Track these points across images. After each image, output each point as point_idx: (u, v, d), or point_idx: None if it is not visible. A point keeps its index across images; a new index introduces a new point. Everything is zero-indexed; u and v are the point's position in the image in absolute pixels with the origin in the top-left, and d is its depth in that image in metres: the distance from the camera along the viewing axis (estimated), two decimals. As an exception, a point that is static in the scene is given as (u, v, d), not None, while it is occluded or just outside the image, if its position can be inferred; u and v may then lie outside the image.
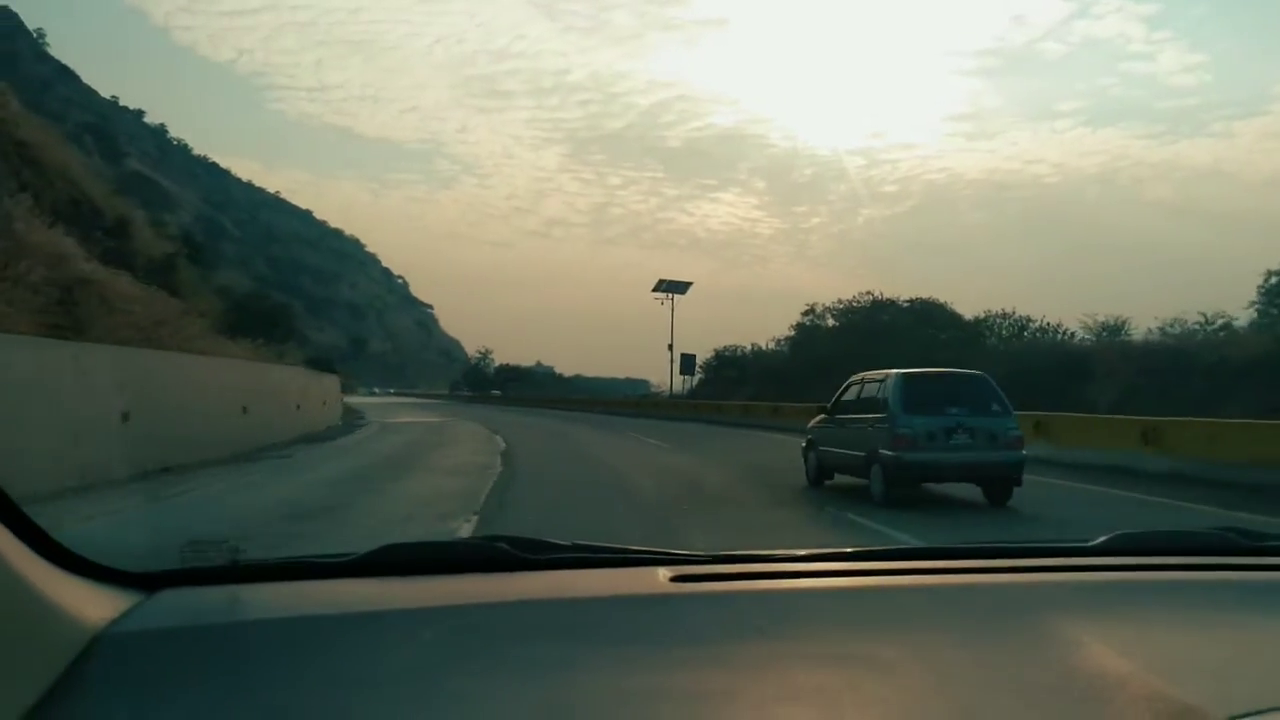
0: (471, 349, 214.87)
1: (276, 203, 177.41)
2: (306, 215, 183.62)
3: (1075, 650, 1.14)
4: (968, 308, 52.33)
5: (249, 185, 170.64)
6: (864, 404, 11.51)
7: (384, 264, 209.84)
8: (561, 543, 1.48)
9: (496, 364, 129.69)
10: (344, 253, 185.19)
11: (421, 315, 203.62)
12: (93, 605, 1.16)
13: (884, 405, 10.82)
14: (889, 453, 10.41)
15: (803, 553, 1.51)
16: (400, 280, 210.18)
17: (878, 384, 11.32)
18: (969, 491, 10.72)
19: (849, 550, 1.54)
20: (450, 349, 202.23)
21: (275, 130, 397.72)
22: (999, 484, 10.62)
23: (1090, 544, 1.57)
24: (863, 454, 10.94)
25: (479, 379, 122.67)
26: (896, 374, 11.06)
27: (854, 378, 12.34)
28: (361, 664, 1.10)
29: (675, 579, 1.35)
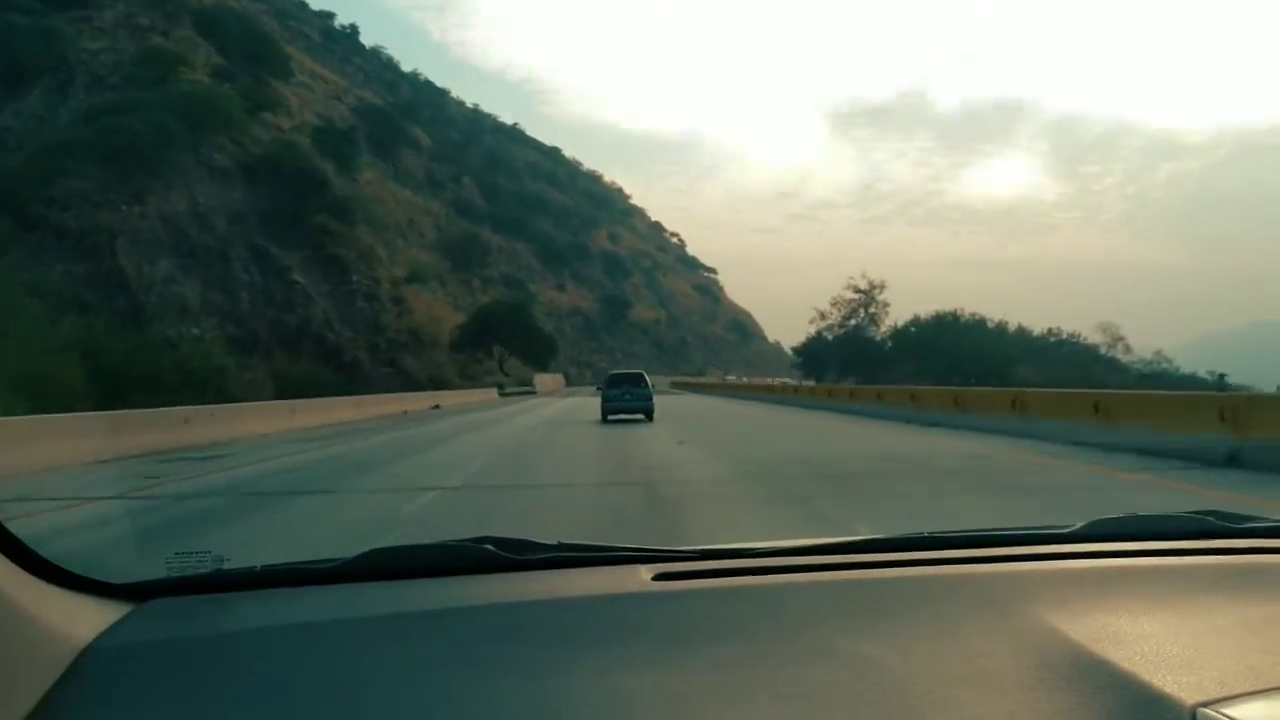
0: (764, 323, 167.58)
1: (510, 130, 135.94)
2: (554, 152, 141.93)
3: (1051, 640, 1.17)
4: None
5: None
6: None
7: (653, 217, 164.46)
8: (546, 543, 1.51)
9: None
10: (600, 198, 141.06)
11: (702, 280, 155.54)
12: (80, 618, 1.18)
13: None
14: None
15: (785, 545, 1.53)
16: (675, 238, 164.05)
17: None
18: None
19: (830, 542, 1.54)
20: (743, 324, 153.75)
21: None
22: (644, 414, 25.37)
23: (1068, 530, 1.61)
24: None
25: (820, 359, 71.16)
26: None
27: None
28: (349, 670, 1.13)
29: (658, 577, 1.38)
